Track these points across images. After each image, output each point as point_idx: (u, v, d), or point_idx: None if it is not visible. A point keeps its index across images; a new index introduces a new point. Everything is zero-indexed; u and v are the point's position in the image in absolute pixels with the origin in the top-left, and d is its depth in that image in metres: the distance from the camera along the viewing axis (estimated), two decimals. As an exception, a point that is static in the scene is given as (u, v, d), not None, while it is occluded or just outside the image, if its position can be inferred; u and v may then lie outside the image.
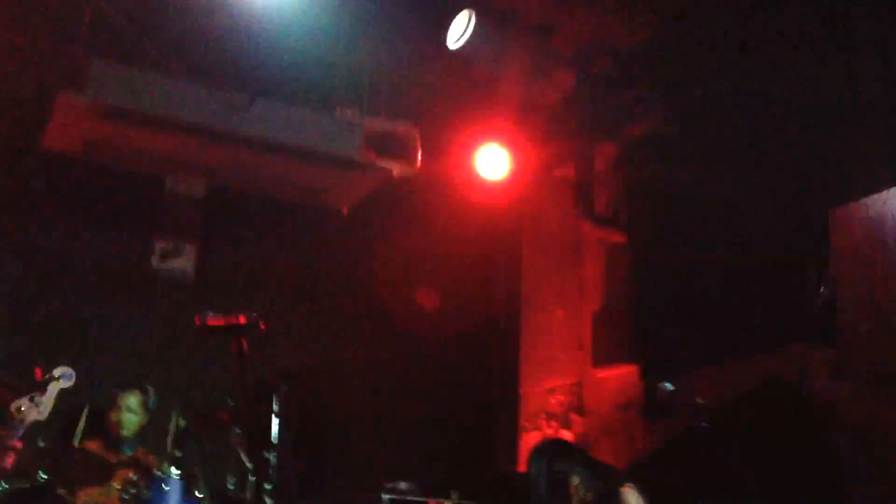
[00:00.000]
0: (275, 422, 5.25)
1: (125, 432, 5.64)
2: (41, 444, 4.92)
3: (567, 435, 7.07)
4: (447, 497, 6.16)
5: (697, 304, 6.68)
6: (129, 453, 5.52)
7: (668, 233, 6.97)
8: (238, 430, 5.36)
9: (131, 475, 5.18)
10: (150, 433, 5.76)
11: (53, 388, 4.28)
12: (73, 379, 4.36)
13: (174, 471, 5.13)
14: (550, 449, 4.70)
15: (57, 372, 4.32)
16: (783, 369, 6.03)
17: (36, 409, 4.23)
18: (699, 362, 6.36)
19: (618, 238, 7.71)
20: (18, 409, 4.20)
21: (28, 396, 4.24)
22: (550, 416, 7.34)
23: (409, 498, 6.06)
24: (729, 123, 6.49)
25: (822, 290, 5.89)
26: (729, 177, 6.45)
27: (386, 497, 5.97)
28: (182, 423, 5.39)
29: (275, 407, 5.29)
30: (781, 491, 5.15)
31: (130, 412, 5.65)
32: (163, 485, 5.02)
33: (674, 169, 6.87)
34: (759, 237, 6.32)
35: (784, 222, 6.19)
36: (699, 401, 4.11)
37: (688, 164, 6.74)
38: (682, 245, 6.81)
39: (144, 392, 5.71)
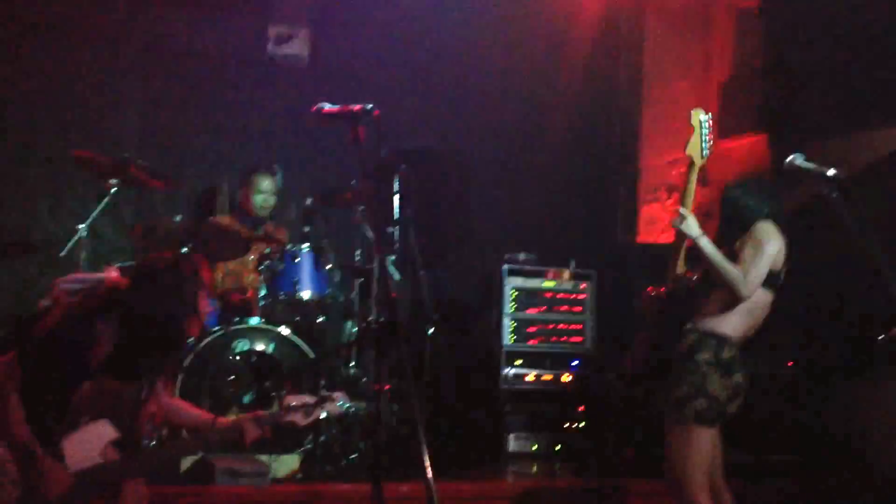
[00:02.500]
0: (395, 199, 5.46)
1: (259, 212, 5.99)
2: (178, 218, 5.30)
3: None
4: (566, 266, 6.30)
5: (832, 71, 6.31)
6: (260, 230, 5.89)
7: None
8: (361, 208, 5.63)
9: (265, 248, 5.52)
10: (280, 210, 6.09)
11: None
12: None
13: (304, 244, 5.46)
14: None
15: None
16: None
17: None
18: (831, 132, 6.09)
19: (750, 2, 7.25)
20: None
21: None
22: (672, 188, 7.25)
23: (527, 268, 6.22)
24: None
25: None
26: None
27: (505, 267, 6.13)
28: (309, 201, 5.69)
29: (395, 186, 5.49)
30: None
31: (263, 193, 5.96)
32: (294, 257, 5.34)
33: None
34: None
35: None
36: (831, 171, 3.94)
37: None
38: (820, 9, 6.36)
39: (274, 173, 6.00)
